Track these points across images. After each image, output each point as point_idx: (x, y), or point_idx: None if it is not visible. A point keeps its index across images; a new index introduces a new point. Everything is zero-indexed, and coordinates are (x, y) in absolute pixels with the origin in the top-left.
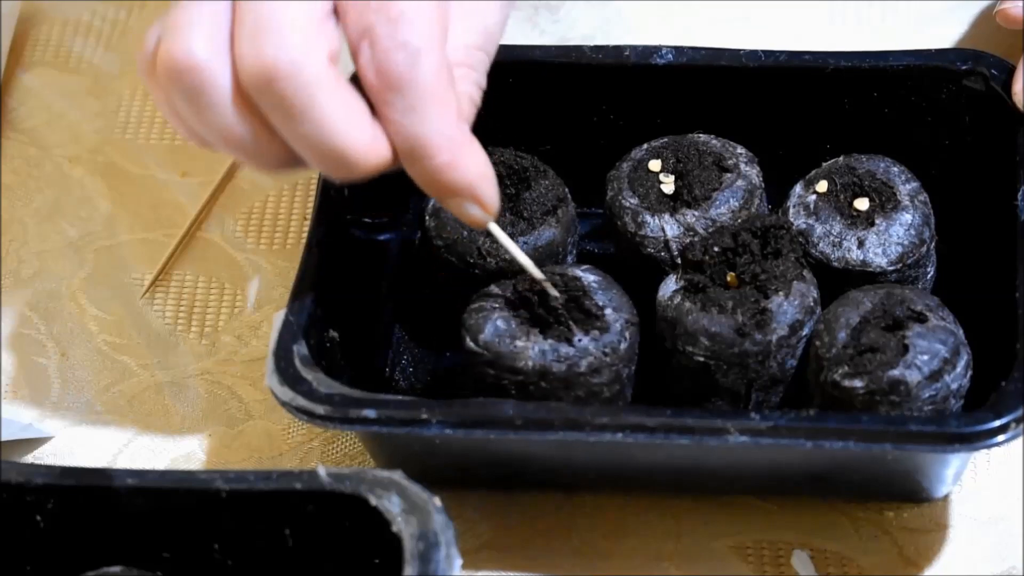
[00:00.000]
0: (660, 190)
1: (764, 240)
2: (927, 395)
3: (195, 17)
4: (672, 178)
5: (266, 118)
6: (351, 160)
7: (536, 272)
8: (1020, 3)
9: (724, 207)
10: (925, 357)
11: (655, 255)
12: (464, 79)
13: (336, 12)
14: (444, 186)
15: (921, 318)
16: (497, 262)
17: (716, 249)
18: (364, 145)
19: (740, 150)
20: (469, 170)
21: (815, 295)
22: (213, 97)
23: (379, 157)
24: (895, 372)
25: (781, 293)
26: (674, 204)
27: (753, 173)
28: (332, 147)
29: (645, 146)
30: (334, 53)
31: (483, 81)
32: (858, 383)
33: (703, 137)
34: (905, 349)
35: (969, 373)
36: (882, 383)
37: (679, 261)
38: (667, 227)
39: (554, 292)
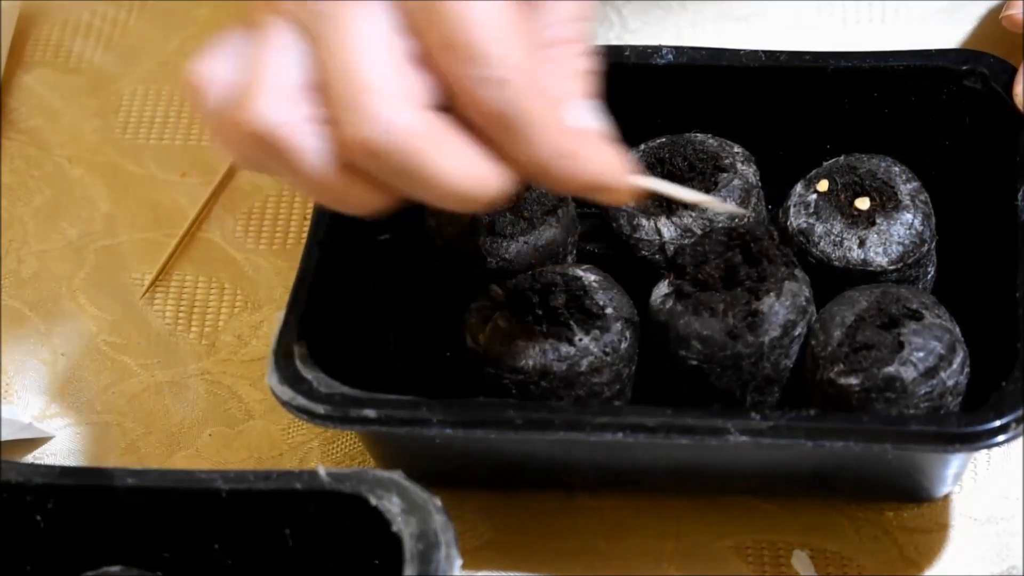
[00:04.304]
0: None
1: (749, 250)
2: (923, 391)
3: (266, 74)
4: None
5: (370, 176)
6: (472, 197)
7: (703, 199)
8: None
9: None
10: (920, 354)
11: (649, 257)
12: (563, 58)
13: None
14: (575, 192)
15: (916, 315)
16: (497, 262)
17: (706, 252)
18: (482, 180)
19: (737, 149)
20: (590, 173)
21: (807, 294)
22: (303, 160)
23: (499, 185)
24: (890, 369)
25: (772, 294)
26: (670, 206)
27: (750, 172)
28: (449, 193)
29: (642, 147)
30: (425, 99)
31: (586, 43)
32: (854, 380)
33: (700, 136)
34: (900, 346)
35: (966, 370)
36: (877, 380)
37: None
38: (664, 229)
39: (740, 212)
